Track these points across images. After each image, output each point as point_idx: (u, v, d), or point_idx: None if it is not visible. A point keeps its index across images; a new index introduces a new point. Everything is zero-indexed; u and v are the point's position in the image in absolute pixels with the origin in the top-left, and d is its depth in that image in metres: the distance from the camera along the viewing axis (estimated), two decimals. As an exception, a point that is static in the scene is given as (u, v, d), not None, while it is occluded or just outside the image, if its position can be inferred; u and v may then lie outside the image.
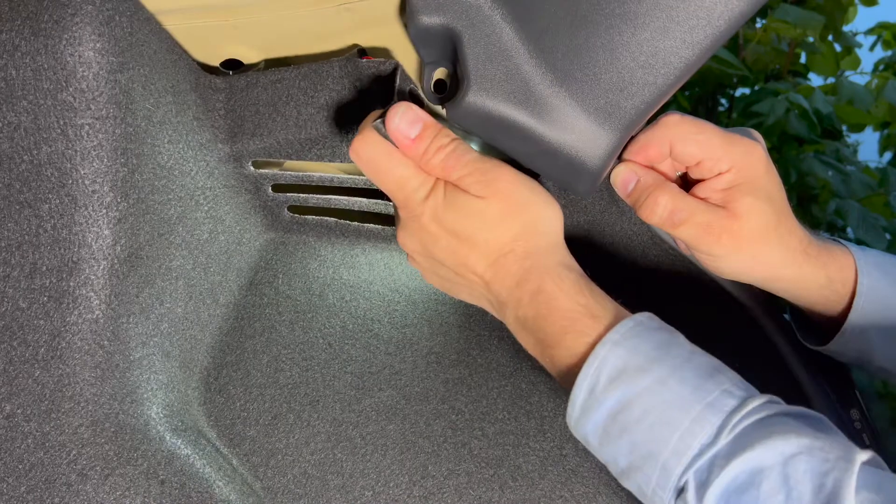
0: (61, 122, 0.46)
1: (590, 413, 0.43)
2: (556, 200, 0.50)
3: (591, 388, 0.42)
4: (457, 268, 0.49)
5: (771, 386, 0.59)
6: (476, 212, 0.47)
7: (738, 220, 0.49)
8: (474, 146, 0.51)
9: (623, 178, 0.51)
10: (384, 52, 0.57)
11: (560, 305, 0.45)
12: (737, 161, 0.49)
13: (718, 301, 0.60)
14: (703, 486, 0.38)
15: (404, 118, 0.47)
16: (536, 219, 0.48)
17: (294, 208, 0.62)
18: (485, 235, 0.47)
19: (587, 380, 0.42)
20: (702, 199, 0.50)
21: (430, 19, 0.47)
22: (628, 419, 0.41)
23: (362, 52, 0.55)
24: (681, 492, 0.40)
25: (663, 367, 0.41)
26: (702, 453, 0.39)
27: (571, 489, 0.58)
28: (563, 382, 0.46)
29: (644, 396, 0.41)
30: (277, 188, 0.60)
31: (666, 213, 0.49)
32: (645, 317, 0.45)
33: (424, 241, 0.49)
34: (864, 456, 0.38)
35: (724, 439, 0.39)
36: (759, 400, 0.41)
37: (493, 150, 0.52)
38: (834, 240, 0.55)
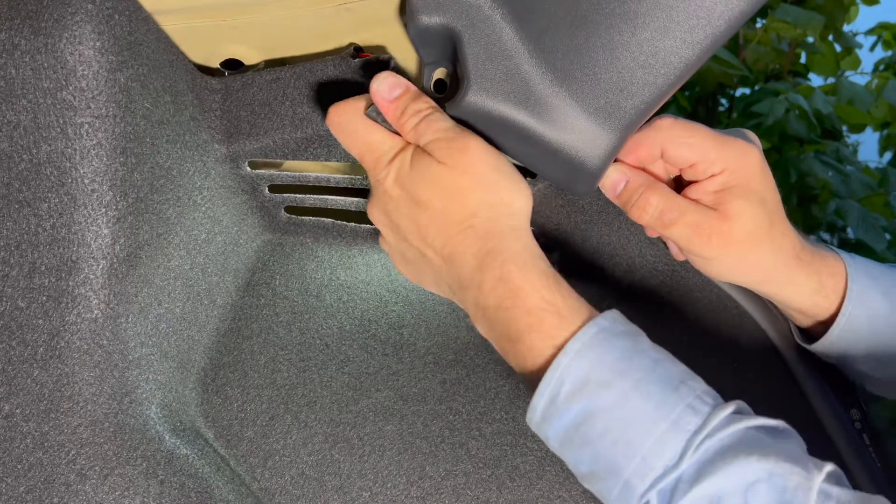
0: (61, 121, 0.46)
1: (551, 420, 0.43)
2: (527, 186, 0.48)
3: (552, 396, 0.42)
4: (418, 243, 0.47)
5: (770, 386, 0.59)
6: (435, 177, 0.46)
7: (729, 222, 0.49)
8: None
9: (612, 179, 0.51)
10: (382, 51, 0.57)
11: (525, 298, 0.43)
12: (730, 163, 0.49)
13: (716, 301, 0.60)
14: None
15: (386, 81, 0.48)
16: (501, 197, 0.46)
17: (291, 209, 0.62)
18: (442, 203, 0.45)
19: (549, 387, 0.42)
20: (693, 200, 0.50)
21: (429, 19, 0.47)
22: (590, 432, 0.41)
23: (358, 49, 0.55)
24: None
25: (626, 381, 0.41)
26: (665, 475, 0.39)
27: (569, 489, 0.58)
28: (523, 379, 0.45)
29: (607, 411, 0.40)
30: (274, 189, 0.60)
31: (657, 212, 0.49)
32: (609, 320, 0.43)
33: (388, 209, 0.48)
34: (821, 477, 0.38)
35: (688, 461, 0.39)
36: (723, 413, 0.40)
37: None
38: (827, 246, 0.55)
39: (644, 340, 0.44)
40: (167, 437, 0.53)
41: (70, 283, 0.49)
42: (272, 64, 0.58)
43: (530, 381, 0.44)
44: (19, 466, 0.49)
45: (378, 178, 0.48)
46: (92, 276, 0.49)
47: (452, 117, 0.49)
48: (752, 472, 0.38)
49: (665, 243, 0.59)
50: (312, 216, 0.63)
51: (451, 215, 0.45)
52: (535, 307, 0.43)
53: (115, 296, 0.50)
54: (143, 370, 0.53)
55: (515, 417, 0.60)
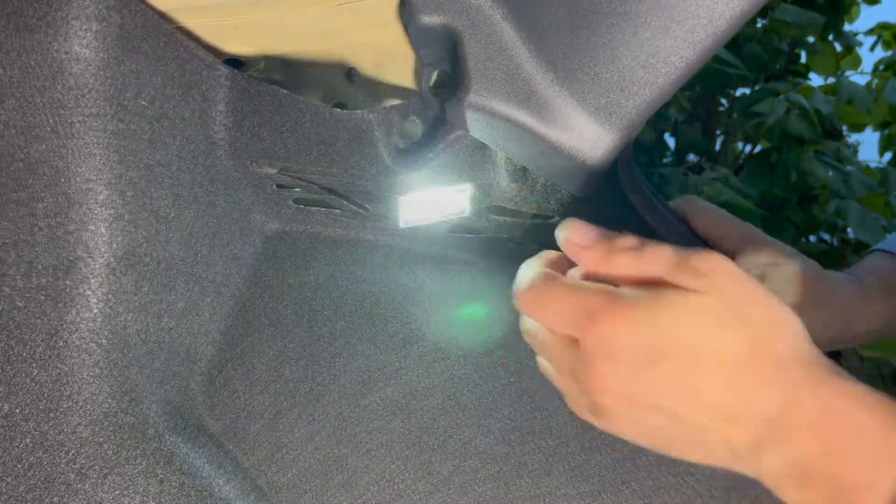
0: (52, 120, 0.45)
1: None
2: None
3: None
4: (676, 403, 0.35)
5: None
6: (695, 310, 0.35)
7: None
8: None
9: None
10: (375, 63, 0.57)
11: (868, 429, 0.32)
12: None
13: None
14: None
15: (575, 229, 0.41)
16: (776, 313, 0.36)
17: (299, 199, 0.61)
18: (713, 343, 0.34)
19: None
20: None
21: (429, 19, 0.47)
22: None
23: (352, 70, 0.55)
24: None
25: None
26: None
27: (576, 486, 0.57)
28: None
29: None
30: (281, 185, 0.59)
31: None
32: None
33: (632, 376, 0.36)
34: None
35: None
36: None
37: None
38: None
39: None
40: (167, 436, 0.53)
41: (68, 283, 0.48)
42: (272, 63, 0.58)
43: None
44: (19, 466, 0.49)
45: (603, 331, 0.36)
46: (90, 275, 0.48)
47: (453, 118, 0.49)
48: None
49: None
50: (321, 206, 0.62)
51: (725, 356, 0.34)
52: (883, 432, 0.32)
53: (113, 294, 0.49)
54: (144, 367, 0.53)
55: (522, 414, 0.59)
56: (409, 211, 0.55)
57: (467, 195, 0.55)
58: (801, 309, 0.52)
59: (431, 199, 0.55)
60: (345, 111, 0.50)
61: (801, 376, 0.34)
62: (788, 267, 0.53)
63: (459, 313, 0.62)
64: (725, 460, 0.36)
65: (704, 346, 0.34)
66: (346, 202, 0.58)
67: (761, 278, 0.53)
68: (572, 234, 0.40)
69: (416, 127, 0.53)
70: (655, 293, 0.36)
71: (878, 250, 0.62)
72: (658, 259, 0.37)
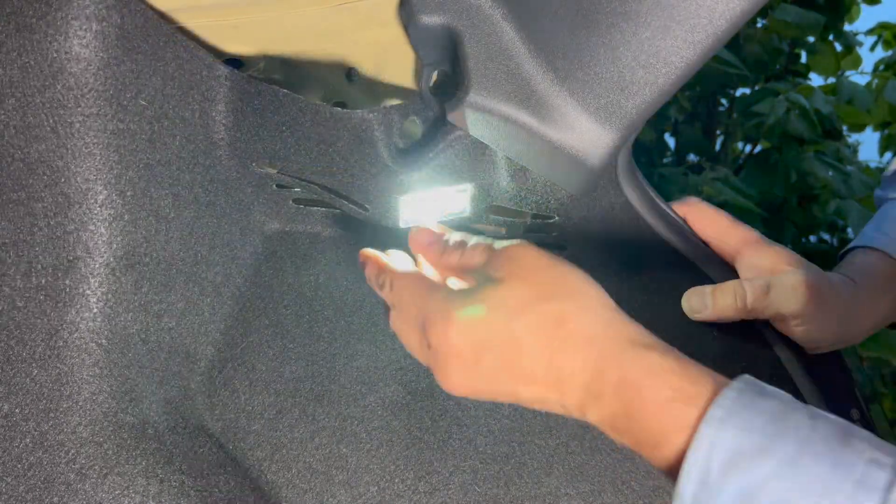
0: (51, 120, 0.45)
1: None
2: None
3: (702, 478, 0.35)
4: (517, 385, 0.41)
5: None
6: (501, 297, 0.40)
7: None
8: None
9: (720, 307, 0.55)
10: (375, 63, 0.57)
11: (654, 395, 0.37)
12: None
13: None
14: None
15: (418, 234, 0.49)
16: (578, 290, 0.41)
17: (299, 199, 0.61)
18: (524, 323, 0.39)
19: (696, 467, 0.35)
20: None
21: (429, 19, 0.47)
22: None
23: (352, 70, 0.55)
24: None
25: (788, 443, 0.34)
26: None
27: (577, 486, 0.57)
28: (672, 476, 0.37)
29: (773, 483, 0.33)
30: (281, 185, 0.59)
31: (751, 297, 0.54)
32: (744, 382, 0.37)
33: (470, 374, 0.41)
34: None
35: None
36: None
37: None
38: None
39: (787, 396, 0.37)
40: (167, 436, 0.53)
41: (67, 282, 0.48)
42: (272, 63, 0.58)
43: (676, 473, 0.36)
44: (19, 466, 0.49)
45: (435, 333, 0.42)
46: (89, 275, 0.48)
47: (453, 119, 0.49)
48: None
49: (659, 239, 0.59)
50: (321, 206, 0.62)
51: (538, 334, 0.39)
52: (667, 400, 0.37)
53: (113, 294, 0.49)
54: (144, 367, 0.52)
55: (524, 414, 0.59)
56: (409, 211, 0.55)
57: (467, 195, 0.54)
58: (805, 314, 0.53)
59: (431, 199, 0.55)
60: (345, 111, 0.50)
61: (607, 347, 0.39)
62: (792, 275, 0.55)
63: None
64: (564, 414, 0.42)
65: (519, 328, 0.39)
66: (346, 202, 0.58)
67: (766, 287, 0.54)
68: (415, 235, 0.48)
69: (416, 127, 0.53)
70: (474, 289, 0.41)
71: (860, 247, 0.62)
72: (476, 253, 0.44)
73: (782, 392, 0.37)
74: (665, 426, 0.37)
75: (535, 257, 0.41)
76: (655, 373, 0.38)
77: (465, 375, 0.41)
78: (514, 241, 0.42)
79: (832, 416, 0.36)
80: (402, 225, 0.56)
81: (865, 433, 0.35)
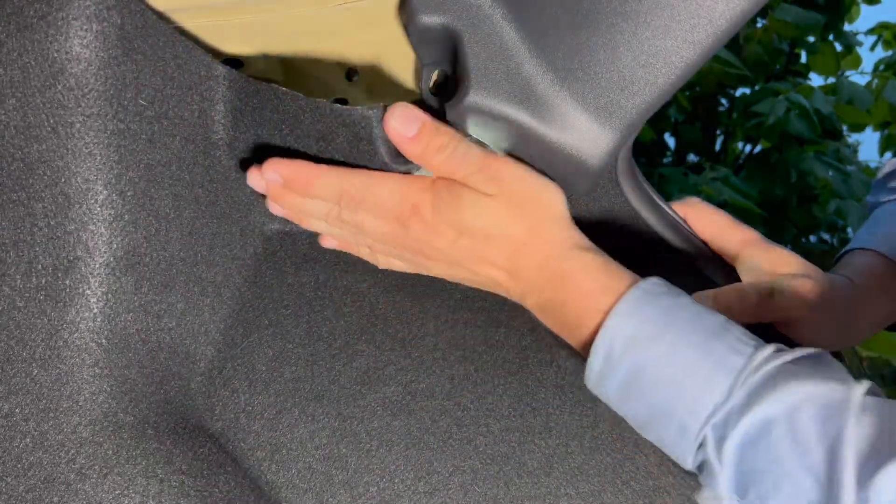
0: (52, 120, 0.45)
1: (607, 378, 0.46)
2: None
3: (606, 355, 0.45)
4: (474, 265, 0.50)
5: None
6: (488, 209, 0.48)
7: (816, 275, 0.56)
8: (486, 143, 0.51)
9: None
10: (375, 63, 0.57)
11: (581, 286, 0.47)
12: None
13: None
14: (720, 441, 0.42)
15: (401, 117, 0.47)
16: (545, 206, 0.49)
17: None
18: (500, 231, 0.48)
19: (602, 348, 0.45)
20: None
21: (429, 19, 0.47)
22: (643, 383, 0.44)
23: (352, 70, 0.55)
24: (700, 445, 0.43)
25: (671, 333, 0.44)
26: (716, 411, 0.42)
27: (577, 486, 0.57)
28: (585, 354, 0.47)
29: (656, 362, 0.43)
30: None
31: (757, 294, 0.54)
32: (651, 283, 0.46)
33: (433, 245, 0.50)
34: (860, 391, 0.40)
35: (736, 396, 0.41)
36: (765, 352, 0.43)
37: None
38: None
39: (685, 297, 0.46)
40: (167, 436, 0.53)
41: (68, 282, 0.48)
42: (272, 63, 0.58)
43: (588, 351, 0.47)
44: (19, 466, 0.49)
45: (420, 220, 0.49)
46: (89, 275, 0.48)
47: (453, 119, 0.49)
48: (796, 395, 0.41)
49: (660, 239, 0.59)
50: None
51: (511, 237, 0.48)
52: (590, 290, 0.47)
53: (113, 294, 0.49)
54: (144, 367, 0.53)
55: (523, 414, 0.59)
56: None
57: None
58: (808, 316, 0.53)
59: None
60: (345, 107, 0.50)
61: (555, 250, 0.48)
62: (796, 279, 0.55)
63: (459, 313, 0.62)
64: (505, 295, 0.52)
65: (494, 230, 0.48)
66: None
67: (771, 290, 0.54)
68: (398, 122, 0.47)
69: None
70: (456, 190, 0.48)
71: (856, 249, 0.63)
72: (464, 163, 0.48)
73: (681, 292, 0.47)
74: (586, 310, 0.46)
75: (521, 179, 0.48)
76: (586, 269, 0.47)
77: (437, 251, 0.50)
78: (505, 161, 0.48)
79: (715, 314, 0.45)
80: None
81: (739, 329, 0.44)
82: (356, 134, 0.50)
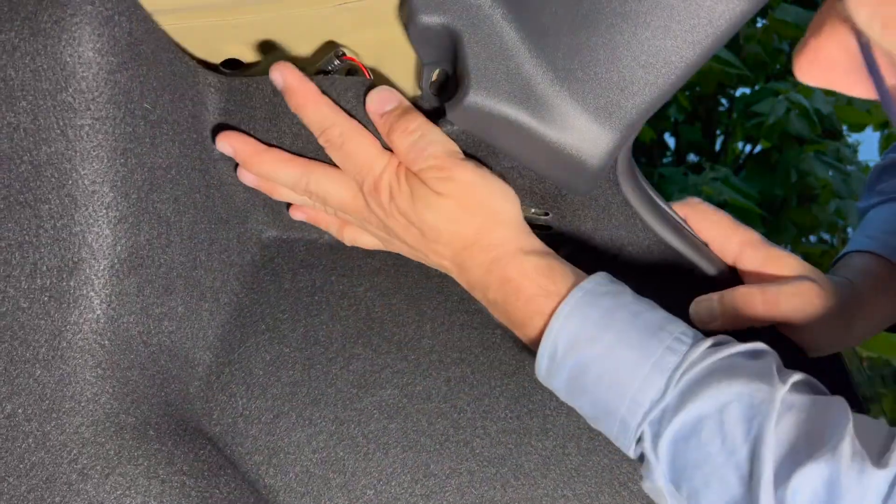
0: (61, 123, 0.45)
1: (553, 376, 0.48)
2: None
3: (551, 356, 0.47)
4: (424, 251, 0.53)
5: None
6: (437, 207, 0.49)
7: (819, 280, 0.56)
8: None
9: (704, 309, 0.56)
10: (375, 63, 0.57)
11: (524, 291, 0.49)
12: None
13: None
14: (656, 436, 0.44)
15: (380, 93, 0.50)
16: (496, 211, 0.50)
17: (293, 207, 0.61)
18: (448, 228, 0.50)
19: (547, 349, 0.47)
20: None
21: (429, 19, 0.47)
22: (586, 381, 0.47)
23: (352, 69, 0.55)
24: (639, 440, 0.46)
25: (610, 333, 0.46)
26: (652, 408, 0.44)
27: (574, 488, 0.58)
28: (534, 350, 0.50)
29: (597, 362, 0.46)
30: None
31: (762, 298, 0.54)
32: (593, 283, 0.48)
33: (389, 226, 0.52)
34: (783, 390, 0.42)
35: (671, 394, 0.44)
36: (699, 349, 0.45)
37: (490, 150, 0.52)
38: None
39: (626, 296, 0.48)
40: (168, 437, 0.53)
41: (72, 284, 0.48)
42: (271, 63, 0.58)
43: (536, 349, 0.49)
44: (21, 466, 0.49)
45: (376, 199, 0.51)
46: (93, 277, 0.48)
47: (453, 118, 0.49)
48: (725, 394, 0.43)
49: (666, 247, 0.59)
50: None
51: (457, 236, 0.50)
52: (533, 295, 0.49)
53: (116, 296, 0.49)
54: (146, 369, 0.53)
55: (520, 416, 0.60)
56: None
57: None
58: (811, 319, 0.53)
59: None
60: (331, 77, 0.51)
61: (501, 253, 0.49)
62: (799, 282, 0.55)
63: (454, 316, 0.62)
64: (458, 280, 0.53)
65: (442, 227, 0.50)
66: None
67: (776, 294, 0.54)
68: (376, 97, 0.50)
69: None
70: (416, 184, 0.50)
71: (856, 251, 0.63)
72: (423, 155, 0.49)
73: (624, 290, 0.49)
74: (529, 313, 0.49)
75: (476, 183, 0.49)
76: (529, 275, 0.49)
77: (393, 231, 0.52)
78: (461, 164, 0.49)
79: (655, 312, 0.47)
80: None
81: (678, 326, 0.46)
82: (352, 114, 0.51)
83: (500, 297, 0.50)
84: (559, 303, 0.47)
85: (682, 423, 0.43)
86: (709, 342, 0.45)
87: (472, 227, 0.50)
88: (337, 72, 0.54)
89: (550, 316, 0.47)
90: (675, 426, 0.43)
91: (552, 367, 0.48)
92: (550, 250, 0.51)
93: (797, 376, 0.44)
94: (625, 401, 0.45)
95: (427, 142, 0.49)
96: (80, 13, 0.44)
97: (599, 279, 0.49)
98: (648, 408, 0.44)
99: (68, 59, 0.44)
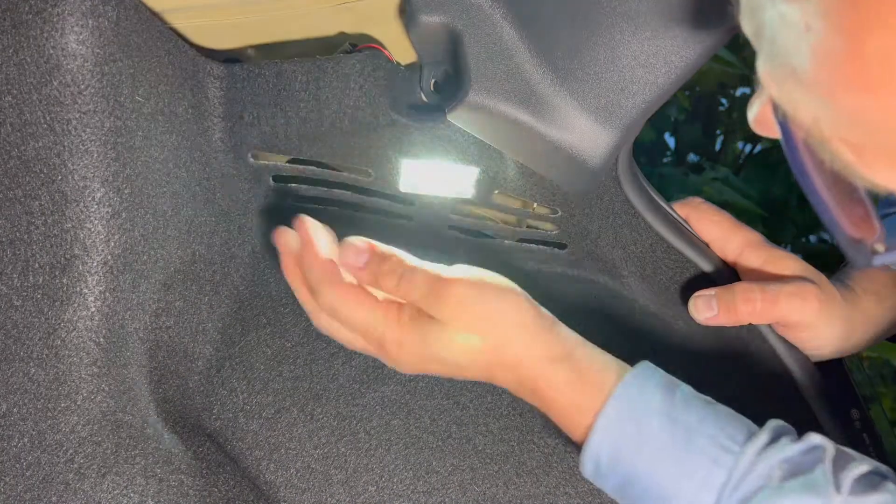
0: (48, 118, 0.45)
1: (602, 481, 0.48)
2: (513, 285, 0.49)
3: (595, 466, 0.47)
4: (453, 376, 0.51)
5: (768, 386, 0.59)
6: (447, 342, 0.48)
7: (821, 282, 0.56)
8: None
9: (703, 302, 0.55)
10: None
11: (556, 403, 0.48)
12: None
13: None
14: None
15: (350, 249, 0.48)
16: (504, 317, 0.48)
17: (298, 198, 0.61)
18: (466, 359, 0.48)
19: (590, 461, 0.47)
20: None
21: (430, 18, 0.47)
22: (633, 494, 0.46)
23: (354, 45, 0.55)
24: None
25: (651, 447, 0.45)
26: None
27: (576, 486, 0.57)
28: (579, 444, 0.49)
29: (642, 478, 0.45)
30: (279, 178, 0.59)
31: (760, 296, 0.53)
32: (624, 388, 0.47)
33: (412, 367, 0.50)
34: (839, 500, 0.41)
35: None
36: (746, 458, 0.43)
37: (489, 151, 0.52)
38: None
39: (657, 393, 0.47)
40: (166, 435, 0.52)
41: (65, 281, 0.47)
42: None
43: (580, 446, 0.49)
44: (17, 465, 0.48)
45: (389, 356, 0.50)
46: (87, 273, 0.48)
47: (453, 118, 0.49)
48: None
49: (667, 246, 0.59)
50: (319, 205, 0.62)
51: (475, 365, 0.49)
52: (565, 408, 0.48)
53: (111, 292, 0.49)
54: (143, 366, 0.52)
55: (522, 413, 0.59)
56: (411, 176, 0.55)
57: (473, 178, 0.54)
58: (810, 322, 0.53)
59: (436, 172, 0.54)
60: (348, 106, 0.50)
61: (526, 366, 0.48)
62: (800, 283, 0.54)
63: None
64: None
65: (462, 360, 0.48)
66: (347, 172, 0.58)
67: (775, 293, 0.54)
68: (346, 254, 0.48)
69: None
70: (419, 326, 0.48)
71: None
72: (413, 288, 0.47)
73: (657, 390, 0.47)
74: (566, 423, 0.48)
75: (471, 298, 0.47)
76: (559, 388, 0.47)
77: (415, 368, 0.50)
78: (451, 283, 0.47)
79: (689, 411, 0.46)
80: (402, 188, 0.56)
81: (720, 429, 0.45)
82: (356, 118, 0.51)
83: (536, 403, 0.49)
84: (594, 419, 0.46)
85: None
86: (756, 447, 0.44)
87: (487, 351, 0.48)
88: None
89: (588, 430, 0.47)
90: None
91: (598, 476, 0.48)
92: (574, 338, 0.49)
93: (857, 470, 0.42)
94: None
95: (411, 271, 0.48)
96: (63, 3, 0.43)
97: (632, 380, 0.47)
98: None
99: (52, 52, 0.43)
